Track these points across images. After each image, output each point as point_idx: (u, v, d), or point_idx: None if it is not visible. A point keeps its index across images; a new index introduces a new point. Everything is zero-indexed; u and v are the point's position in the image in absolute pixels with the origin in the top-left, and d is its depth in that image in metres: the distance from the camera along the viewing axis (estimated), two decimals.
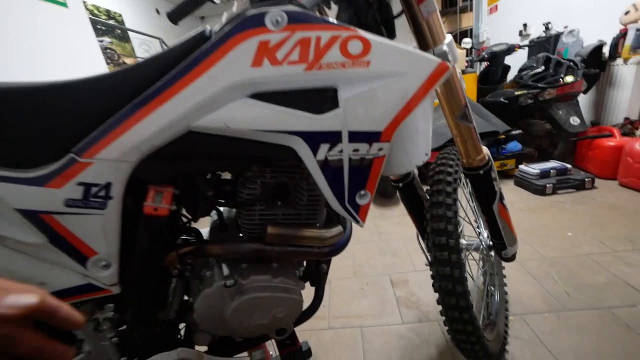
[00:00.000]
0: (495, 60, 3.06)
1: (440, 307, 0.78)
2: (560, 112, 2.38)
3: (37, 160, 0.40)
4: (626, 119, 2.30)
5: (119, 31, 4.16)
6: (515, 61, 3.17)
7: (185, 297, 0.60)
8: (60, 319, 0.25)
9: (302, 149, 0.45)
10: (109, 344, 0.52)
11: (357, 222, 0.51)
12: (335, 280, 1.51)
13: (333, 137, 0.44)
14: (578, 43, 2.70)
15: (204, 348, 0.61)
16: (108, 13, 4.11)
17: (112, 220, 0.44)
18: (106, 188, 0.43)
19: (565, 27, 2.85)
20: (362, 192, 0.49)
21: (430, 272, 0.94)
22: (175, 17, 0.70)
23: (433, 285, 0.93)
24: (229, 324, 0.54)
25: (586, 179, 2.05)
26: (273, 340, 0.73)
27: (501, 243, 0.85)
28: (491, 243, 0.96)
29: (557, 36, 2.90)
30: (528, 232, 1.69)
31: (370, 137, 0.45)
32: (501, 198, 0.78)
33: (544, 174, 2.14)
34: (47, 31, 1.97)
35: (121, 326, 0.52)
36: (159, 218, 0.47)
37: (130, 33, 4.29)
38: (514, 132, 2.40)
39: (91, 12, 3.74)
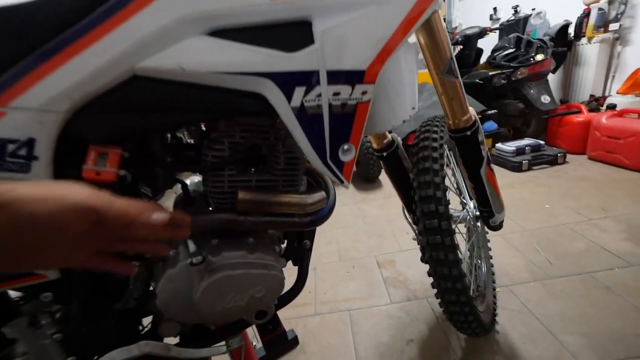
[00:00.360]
0: (469, 43, 3.09)
1: (428, 284, 0.75)
2: (532, 91, 2.44)
3: None
4: (591, 96, 2.40)
5: None
6: (487, 45, 3.23)
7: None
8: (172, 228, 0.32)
9: (274, 94, 0.38)
10: (50, 342, 0.43)
11: (342, 182, 0.45)
12: (320, 265, 1.46)
13: (309, 79, 0.38)
14: (545, 24, 2.78)
15: (173, 340, 0.54)
16: None
17: None
18: (28, 145, 0.34)
19: (533, 9, 2.92)
20: (346, 147, 0.43)
21: (419, 247, 0.91)
22: None
23: (422, 258, 0.89)
24: (200, 309, 0.47)
25: (558, 155, 2.12)
26: (254, 329, 0.67)
27: (489, 211, 0.83)
28: (478, 213, 0.94)
29: (526, 19, 2.97)
30: (509, 206, 1.68)
31: (352, 78, 0.39)
32: (488, 162, 0.75)
33: (520, 151, 2.19)
34: None
35: (65, 320, 0.44)
36: (103, 184, 0.39)
37: None
38: (489, 112, 2.43)
39: None
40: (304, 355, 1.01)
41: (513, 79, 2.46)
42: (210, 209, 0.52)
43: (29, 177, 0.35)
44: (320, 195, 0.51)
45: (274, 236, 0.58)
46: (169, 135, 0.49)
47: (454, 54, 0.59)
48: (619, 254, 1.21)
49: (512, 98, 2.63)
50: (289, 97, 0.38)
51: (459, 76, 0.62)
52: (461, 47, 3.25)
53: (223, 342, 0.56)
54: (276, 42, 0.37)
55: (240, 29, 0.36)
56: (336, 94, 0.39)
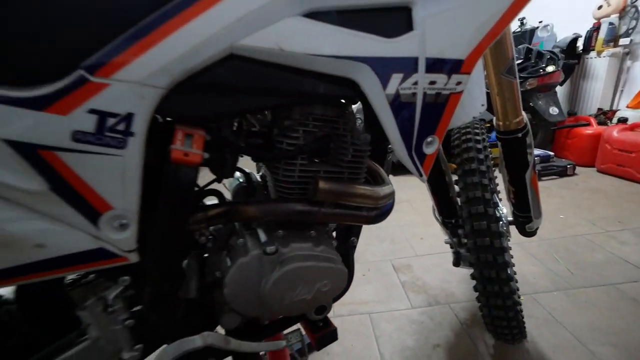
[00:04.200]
0: None
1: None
2: (540, 102, 2.48)
3: (35, 75, 0.30)
4: (599, 109, 2.44)
5: None
6: None
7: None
8: None
9: (369, 81, 0.38)
10: (121, 328, 0.41)
11: (421, 175, 0.44)
12: None
13: (408, 66, 0.37)
14: (552, 37, 2.84)
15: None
16: None
17: (134, 164, 0.34)
18: (127, 120, 0.33)
19: (540, 22, 2.98)
20: (430, 139, 0.42)
21: (450, 251, 0.90)
22: None
23: (457, 264, 0.88)
24: (268, 301, 0.45)
25: (568, 166, 2.15)
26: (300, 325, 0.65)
27: (527, 216, 0.83)
28: (510, 218, 0.94)
29: (532, 31, 3.03)
30: None
31: (450, 67, 0.38)
32: (534, 166, 0.75)
33: None
34: None
35: (136, 306, 0.42)
36: (190, 167, 0.38)
37: None
38: None
39: None
40: (328, 357, 0.99)
41: (522, 89, 2.50)
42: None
43: (124, 153, 0.34)
44: (389, 188, 0.50)
45: (329, 231, 0.57)
46: (242, 122, 0.48)
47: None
48: None
49: None
50: (384, 84, 0.38)
51: (517, 77, 0.62)
52: None
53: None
54: (374, 26, 0.36)
55: (338, 11, 0.36)
56: (432, 82, 0.39)
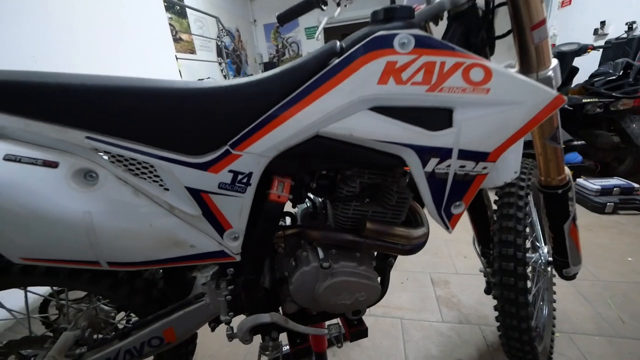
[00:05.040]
0: (563, 61, 2.82)
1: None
2: (633, 125, 2.19)
3: (203, 149, 0.50)
4: None
5: (178, 7, 4.38)
6: (585, 64, 2.92)
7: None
8: None
9: (412, 160, 0.51)
10: (223, 300, 0.63)
11: (447, 228, 0.57)
12: None
13: (443, 153, 0.50)
14: None
15: None
16: None
17: (247, 202, 0.54)
18: (248, 176, 0.52)
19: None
20: (458, 203, 0.54)
21: (486, 280, 0.98)
22: (283, 19, 0.78)
23: (489, 292, 0.97)
24: (319, 300, 0.63)
25: None
26: (339, 318, 0.83)
27: (564, 261, 0.86)
28: (550, 259, 0.97)
29: None
30: (582, 250, 1.63)
31: (478, 157, 0.50)
32: (574, 219, 0.79)
33: (606, 191, 2.02)
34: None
35: (233, 288, 0.63)
36: (280, 204, 0.56)
37: (187, 10, 4.49)
38: (575, 143, 2.26)
39: None
40: (358, 348, 1.17)
41: (612, 109, 2.23)
42: (328, 223, 0.68)
43: (244, 195, 0.53)
44: (423, 230, 0.63)
45: (371, 253, 0.72)
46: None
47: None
48: None
49: (606, 129, 2.39)
50: (424, 164, 0.51)
51: (561, 142, 0.68)
52: None
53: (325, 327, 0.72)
54: (423, 121, 0.49)
55: (397, 108, 0.49)
56: (462, 166, 0.50)
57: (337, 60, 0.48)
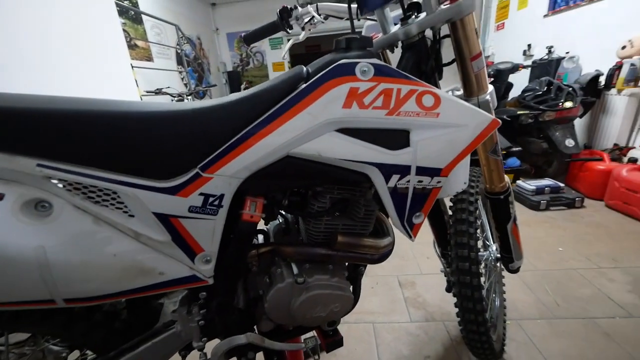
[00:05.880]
0: (500, 77, 3.20)
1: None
2: (557, 133, 2.54)
3: (171, 173, 0.49)
4: (615, 145, 2.48)
5: (132, 13, 4.12)
6: (518, 80, 3.33)
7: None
8: None
9: (376, 176, 0.55)
10: (195, 326, 0.61)
11: (410, 237, 0.62)
12: None
13: (403, 170, 0.55)
14: (577, 69, 2.87)
15: None
16: None
17: (219, 224, 0.54)
18: (220, 198, 0.52)
19: (567, 52, 3.01)
20: (418, 214, 0.60)
21: (446, 279, 1.06)
22: (249, 40, 0.80)
23: (449, 290, 1.05)
24: (294, 315, 0.64)
25: (576, 199, 2.22)
26: (314, 331, 0.84)
27: (509, 257, 0.98)
28: (499, 255, 1.09)
29: (559, 60, 3.06)
30: (524, 244, 1.83)
31: (432, 172, 0.56)
32: (514, 219, 0.90)
33: (539, 191, 2.31)
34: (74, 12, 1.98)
35: (206, 312, 0.62)
36: (253, 224, 0.57)
37: (142, 15, 4.25)
38: (514, 149, 2.55)
39: None
40: (334, 357, 1.18)
41: (540, 119, 2.57)
42: (301, 238, 0.70)
43: (215, 217, 0.53)
44: (389, 240, 0.68)
45: (343, 264, 0.75)
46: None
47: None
48: (622, 304, 1.33)
49: (537, 137, 2.73)
50: (387, 180, 0.55)
51: (500, 155, 0.78)
52: (492, 79, 3.37)
53: (301, 341, 0.73)
54: (384, 142, 0.54)
55: (360, 129, 0.53)
56: (420, 181, 0.56)
57: (304, 85, 0.51)
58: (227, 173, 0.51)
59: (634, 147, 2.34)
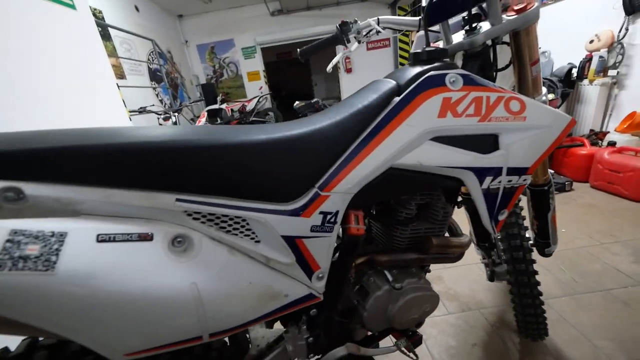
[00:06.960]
0: None
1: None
2: None
3: (294, 195, 0.50)
4: (591, 130, 2.73)
5: (100, 29, 3.92)
6: None
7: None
8: None
9: (471, 180, 0.59)
10: (304, 344, 0.62)
11: (494, 232, 0.67)
12: None
13: (495, 172, 0.59)
14: (549, 64, 3.12)
15: None
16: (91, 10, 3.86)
17: (333, 240, 0.55)
18: (335, 215, 0.54)
19: (539, 48, 3.26)
20: (503, 211, 0.65)
21: (487, 269, 1.12)
22: (305, 54, 0.82)
23: (492, 279, 1.11)
24: (392, 320, 0.66)
25: (566, 183, 2.41)
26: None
27: (546, 242, 1.06)
28: (532, 242, 1.17)
29: None
30: None
31: (520, 171, 0.61)
32: (554, 209, 0.98)
33: None
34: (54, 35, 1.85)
35: (314, 328, 0.63)
36: (359, 237, 0.59)
37: (111, 31, 4.06)
38: None
39: None
40: (387, 358, 1.21)
41: None
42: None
43: (331, 234, 0.54)
44: (467, 238, 0.72)
45: (419, 266, 0.78)
46: None
47: None
48: (630, 274, 1.47)
49: None
50: (481, 182, 0.60)
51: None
52: None
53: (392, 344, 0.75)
54: (476, 146, 0.58)
55: (455, 137, 0.57)
56: (509, 181, 0.61)
57: (398, 98, 0.54)
58: (342, 190, 0.53)
59: (609, 132, 2.58)
